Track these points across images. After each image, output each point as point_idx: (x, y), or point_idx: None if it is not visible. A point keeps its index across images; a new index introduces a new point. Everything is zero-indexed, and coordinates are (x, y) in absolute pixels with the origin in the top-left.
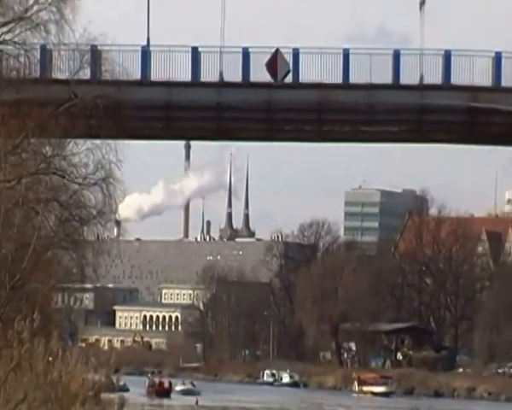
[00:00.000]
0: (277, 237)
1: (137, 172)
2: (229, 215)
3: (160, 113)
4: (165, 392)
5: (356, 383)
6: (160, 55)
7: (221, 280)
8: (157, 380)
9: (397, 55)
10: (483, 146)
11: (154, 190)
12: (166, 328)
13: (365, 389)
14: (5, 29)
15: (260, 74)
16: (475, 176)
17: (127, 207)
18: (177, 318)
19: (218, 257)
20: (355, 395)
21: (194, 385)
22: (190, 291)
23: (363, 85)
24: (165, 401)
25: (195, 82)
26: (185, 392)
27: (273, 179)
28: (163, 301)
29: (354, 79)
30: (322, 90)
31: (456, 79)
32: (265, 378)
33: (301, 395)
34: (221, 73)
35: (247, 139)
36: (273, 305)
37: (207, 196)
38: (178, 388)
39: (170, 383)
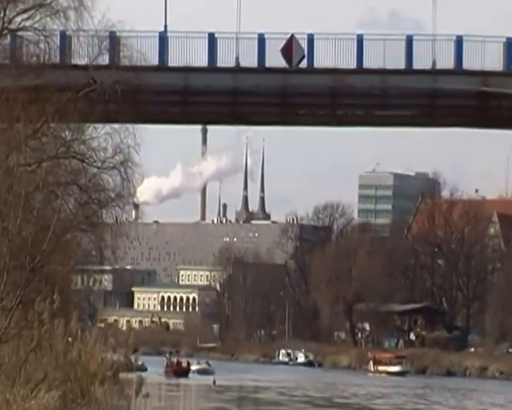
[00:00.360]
0: (292, 219)
1: (156, 156)
2: (245, 198)
3: (177, 97)
4: (183, 372)
5: (371, 362)
6: (177, 41)
7: (237, 262)
8: (175, 360)
9: (410, 41)
10: (494, 130)
11: (173, 173)
12: (184, 309)
13: (380, 368)
14: (25, 15)
15: (275, 60)
16: (487, 159)
17: (146, 191)
18: (194, 299)
19: (235, 239)
20: (370, 374)
21: (209, 365)
22: (207, 272)
23: (376, 70)
24: (183, 381)
25: (212, 67)
26: (200, 371)
27: (289, 163)
28: (180, 282)
29: (368, 64)
30: (337, 75)
31: (468, 63)
32: (281, 358)
33: (316, 375)
34: (237, 59)
35: (262, 123)
36: (288, 286)
37: (225, 179)
38: (194, 367)
39: (188, 363)
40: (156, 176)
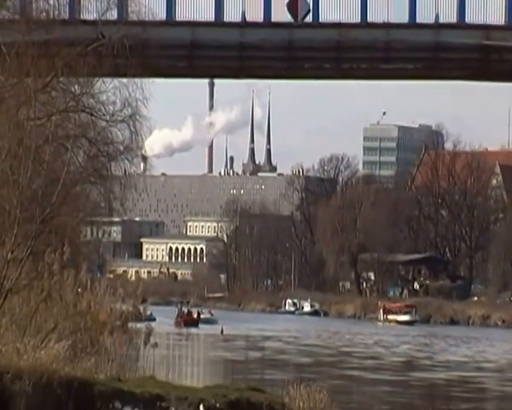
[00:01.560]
0: (298, 171)
1: (169, 109)
2: (252, 151)
3: (184, 52)
4: (193, 322)
5: (381, 311)
6: None
7: (244, 213)
8: (186, 310)
9: None
10: (496, 82)
11: (184, 126)
12: (192, 259)
13: (390, 317)
14: None
15: (281, 14)
16: (489, 111)
17: (156, 143)
18: (201, 249)
19: (241, 191)
20: (380, 323)
21: (212, 314)
22: (214, 224)
23: (380, 24)
24: (191, 330)
25: (219, 22)
26: (204, 321)
27: (295, 116)
28: (188, 233)
29: (372, 18)
30: (341, 30)
31: (471, 17)
32: (287, 307)
33: (323, 324)
34: (243, 14)
35: (268, 77)
36: (294, 237)
37: (235, 132)
38: None
39: (198, 313)
40: (169, 128)
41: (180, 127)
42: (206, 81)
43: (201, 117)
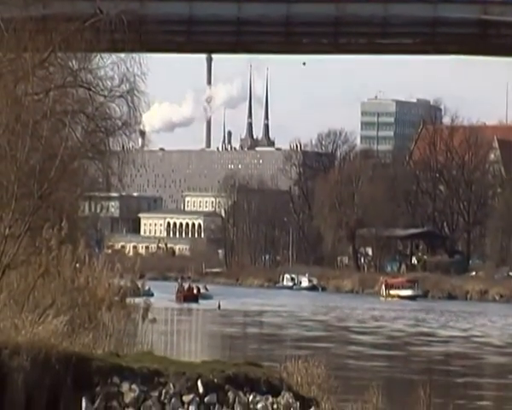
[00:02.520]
0: (296, 146)
1: (168, 84)
2: (250, 125)
3: (182, 27)
4: (193, 297)
5: (383, 286)
6: None
7: (242, 188)
8: (186, 285)
9: None
10: (494, 57)
11: (184, 101)
12: (189, 234)
13: (392, 292)
14: None
15: None
16: (487, 86)
17: (157, 119)
18: (199, 225)
19: (239, 166)
20: (382, 298)
21: (207, 289)
22: (212, 199)
23: None
24: (189, 306)
25: None
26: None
27: (292, 90)
28: (186, 208)
29: None
30: (339, 4)
31: None
32: (285, 282)
33: (325, 299)
34: None
35: (266, 52)
36: (292, 212)
37: (236, 106)
38: None
39: (198, 289)
40: (168, 103)
41: (180, 102)
42: (203, 56)
43: (201, 92)
